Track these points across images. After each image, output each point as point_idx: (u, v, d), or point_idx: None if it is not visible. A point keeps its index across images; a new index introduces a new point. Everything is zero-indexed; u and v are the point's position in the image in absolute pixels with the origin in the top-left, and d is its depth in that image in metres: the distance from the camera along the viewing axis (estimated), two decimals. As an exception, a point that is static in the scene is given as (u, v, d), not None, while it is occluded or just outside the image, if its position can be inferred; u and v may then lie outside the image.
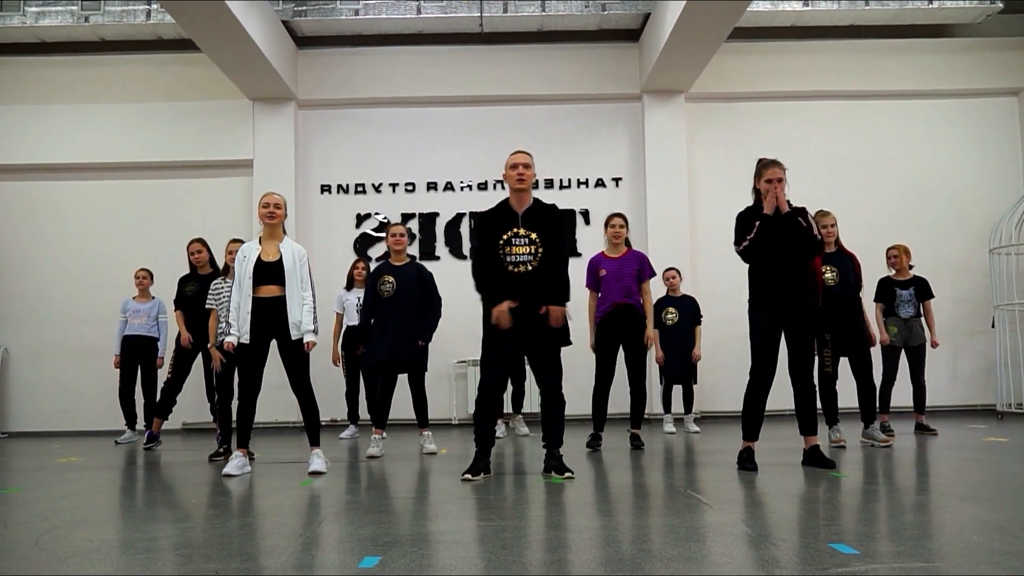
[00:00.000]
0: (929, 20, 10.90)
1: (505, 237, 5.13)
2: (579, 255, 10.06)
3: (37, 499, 4.79)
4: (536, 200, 5.28)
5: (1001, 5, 10.55)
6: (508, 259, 5.11)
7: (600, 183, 10.91)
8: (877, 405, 6.92)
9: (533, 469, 5.83)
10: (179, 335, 7.80)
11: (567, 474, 5.04)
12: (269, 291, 5.60)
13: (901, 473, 5.11)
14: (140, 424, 8.87)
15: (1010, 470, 5.27)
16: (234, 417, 6.24)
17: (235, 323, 5.61)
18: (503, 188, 10.66)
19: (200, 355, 7.70)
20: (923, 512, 3.79)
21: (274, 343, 5.70)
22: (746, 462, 5.27)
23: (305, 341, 5.62)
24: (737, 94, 11.02)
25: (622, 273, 6.71)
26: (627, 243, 6.96)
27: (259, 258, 5.64)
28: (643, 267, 6.82)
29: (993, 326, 10.15)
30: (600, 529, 3.58)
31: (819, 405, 5.59)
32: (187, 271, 7.93)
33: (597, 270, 6.80)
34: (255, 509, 4.42)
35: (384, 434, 6.83)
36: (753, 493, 4.45)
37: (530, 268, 5.09)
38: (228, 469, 5.58)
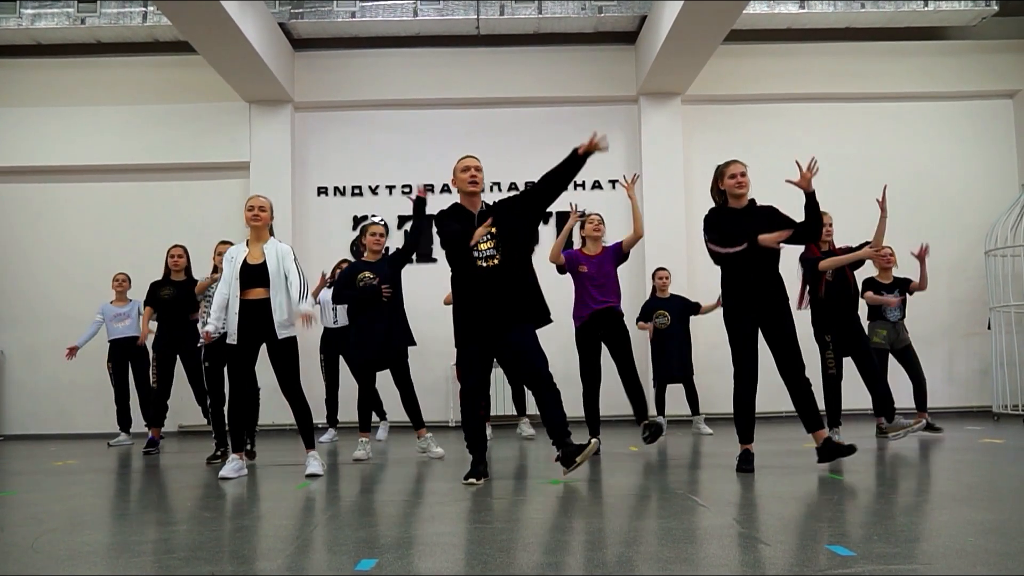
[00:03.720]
0: (924, 22, 10.93)
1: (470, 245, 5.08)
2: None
3: (33, 502, 4.78)
4: (484, 204, 5.31)
5: (996, 7, 10.58)
6: (476, 254, 5.06)
7: (596, 185, 10.92)
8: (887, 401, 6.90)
9: (531, 472, 5.83)
10: (154, 339, 7.84)
11: (592, 441, 4.91)
12: (255, 294, 5.59)
13: (897, 475, 5.12)
14: (139, 426, 8.85)
15: (1006, 471, 5.28)
16: (227, 420, 6.22)
17: (217, 321, 5.59)
18: (500, 190, 10.72)
19: (180, 359, 7.71)
20: (919, 514, 3.79)
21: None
22: (743, 464, 5.29)
23: (302, 312, 5.54)
24: (733, 96, 11.04)
25: (601, 272, 6.62)
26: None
27: (245, 261, 5.64)
28: (617, 254, 6.70)
29: (989, 328, 10.16)
30: (596, 531, 3.58)
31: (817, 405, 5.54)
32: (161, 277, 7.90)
33: (577, 263, 6.68)
34: (251, 512, 4.41)
35: (369, 437, 6.79)
36: (749, 495, 4.45)
37: (496, 262, 5.04)
38: (224, 472, 5.58)
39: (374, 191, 10.94)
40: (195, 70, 10.56)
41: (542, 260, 6.02)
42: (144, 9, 10.48)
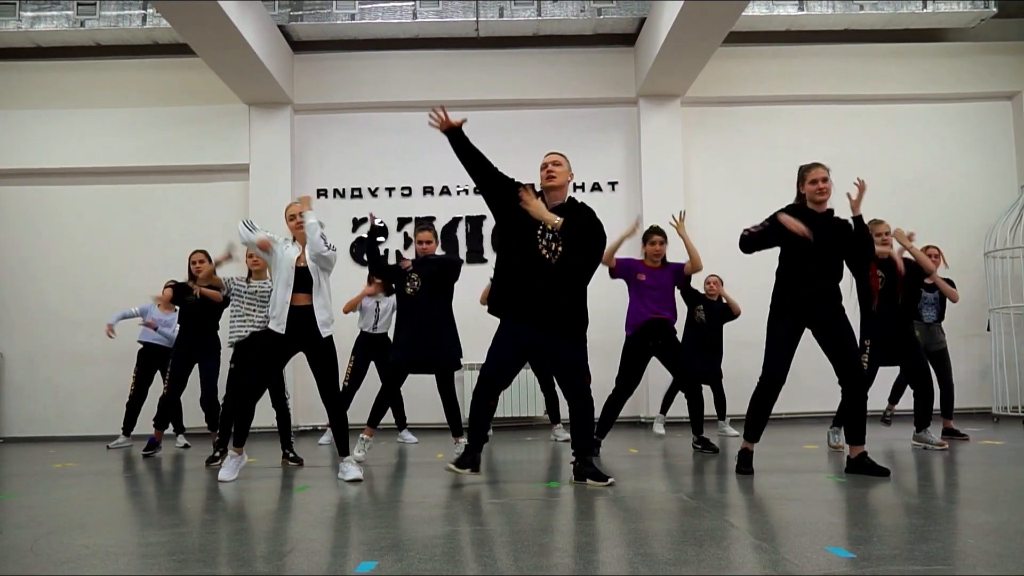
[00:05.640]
0: (923, 24, 10.95)
1: (538, 227, 4.94)
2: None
3: (32, 504, 4.78)
4: (571, 199, 5.11)
5: (995, 9, 10.59)
6: (541, 243, 4.92)
7: (596, 187, 10.93)
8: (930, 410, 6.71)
9: (531, 474, 5.83)
10: (174, 345, 7.77)
11: (608, 481, 4.85)
12: (299, 300, 5.51)
13: (898, 477, 5.11)
14: (139, 429, 8.81)
15: (1006, 473, 5.28)
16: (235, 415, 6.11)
17: (279, 317, 5.47)
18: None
19: (198, 366, 7.64)
20: (919, 515, 3.79)
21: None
22: (742, 465, 5.24)
23: (309, 222, 5.53)
24: (733, 98, 11.04)
25: (660, 283, 6.63)
26: (663, 259, 6.85)
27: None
28: (677, 275, 6.78)
29: (989, 329, 10.17)
30: (597, 533, 3.58)
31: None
32: (181, 279, 7.82)
33: (634, 270, 6.69)
34: (251, 514, 4.41)
35: (372, 436, 6.72)
36: (750, 496, 4.45)
37: (553, 260, 4.90)
38: (222, 475, 5.52)
39: (374, 193, 10.95)
40: (194, 72, 10.58)
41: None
42: (143, 12, 10.49)
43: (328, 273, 5.68)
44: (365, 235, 10.79)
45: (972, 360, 10.64)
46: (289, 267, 5.53)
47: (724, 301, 8.36)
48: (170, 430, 8.71)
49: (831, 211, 5.31)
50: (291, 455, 6.73)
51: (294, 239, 5.71)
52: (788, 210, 5.28)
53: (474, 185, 10.66)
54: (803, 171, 5.32)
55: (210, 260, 7.59)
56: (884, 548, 3.04)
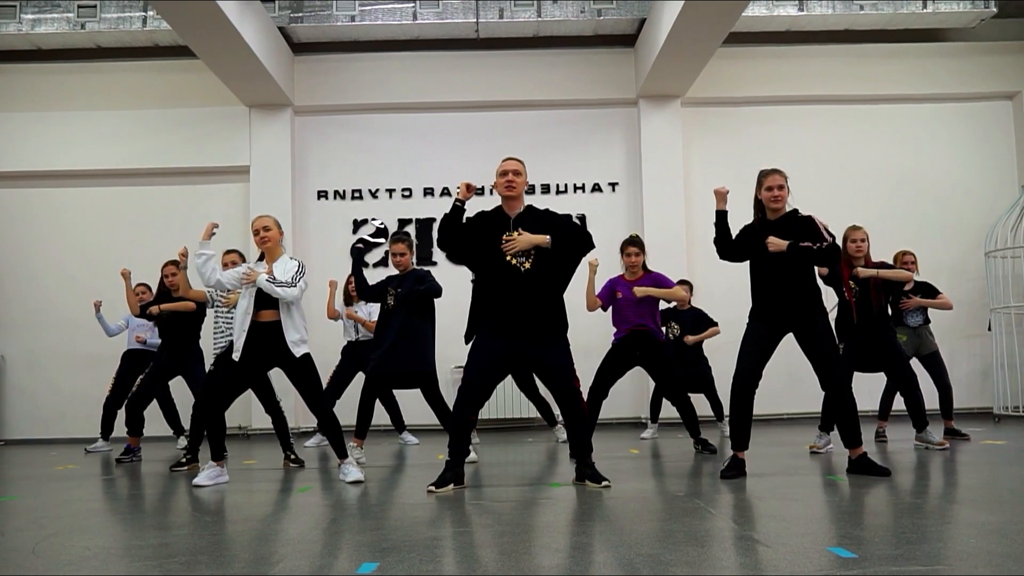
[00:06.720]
0: (923, 24, 10.95)
1: (504, 239, 4.96)
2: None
3: (34, 507, 4.78)
4: (529, 206, 5.14)
5: (995, 9, 10.59)
6: (509, 254, 4.92)
7: (597, 188, 10.93)
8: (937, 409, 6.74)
9: (532, 475, 5.83)
10: (156, 353, 7.61)
11: (604, 483, 4.83)
12: (266, 316, 5.42)
13: (899, 477, 5.11)
14: (118, 432, 8.74)
15: (1007, 473, 5.28)
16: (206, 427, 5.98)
17: (236, 340, 5.43)
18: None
19: (184, 379, 7.53)
20: (921, 515, 3.79)
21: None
22: (729, 470, 5.10)
23: (253, 273, 5.38)
24: (733, 99, 11.04)
25: (641, 295, 6.62)
26: (644, 267, 6.78)
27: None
28: (657, 284, 6.71)
29: (989, 329, 10.17)
30: (599, 535, 3.58)
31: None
32: (162, 290, 7.72)
33: (614, 291, 6.70)
34: (252, 516, 4.41)
35: (362, 446, 6.63)
36: (750, 497, 4.45)
37: (526, 267, 4.90)
38: (199, 479, 5.43)
39: (374, 194, 10.95)
40: (195, 74, 10.59)
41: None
42: (144, 14, 10.50)
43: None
44: (367, 236, 10.82)
45: (973, 360, 10.65)
46: (252, 289, 5.41)
47: (692, 309, 8.32)
48: (160, 431, 8.65)
49: (793, 212, 5.24)
50: (292, 456, 6.73)
51: (261, 256, 5.62)
52: (745, 230, 5.29)
53: (478, 186, 10.78)
54: (761, 176, 5.26)
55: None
56: (885, 548, 3.04)
